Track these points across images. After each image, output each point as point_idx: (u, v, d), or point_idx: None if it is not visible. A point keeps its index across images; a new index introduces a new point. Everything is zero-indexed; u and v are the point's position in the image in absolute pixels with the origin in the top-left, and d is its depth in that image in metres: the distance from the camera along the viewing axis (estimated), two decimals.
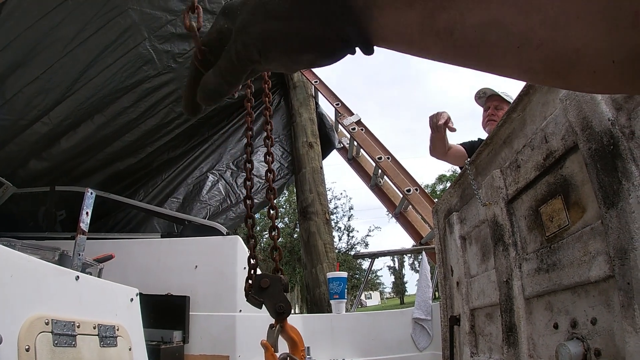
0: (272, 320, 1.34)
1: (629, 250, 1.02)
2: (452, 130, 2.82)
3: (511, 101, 2.87)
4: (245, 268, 3.51)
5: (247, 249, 3.78)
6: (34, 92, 3.66)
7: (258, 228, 24.46)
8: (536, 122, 1.57)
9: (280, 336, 1.33)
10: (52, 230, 4.58)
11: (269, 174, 1.48)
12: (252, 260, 1.36)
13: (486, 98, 2.96)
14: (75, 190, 4.49)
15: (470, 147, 3.05)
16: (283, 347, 1.36)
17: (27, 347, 1.25)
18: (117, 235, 4.63)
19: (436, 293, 3.77)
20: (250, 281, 1.33)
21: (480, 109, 3.11)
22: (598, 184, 1.14)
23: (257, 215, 6.50)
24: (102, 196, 4.15)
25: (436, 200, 3.98)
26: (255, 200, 5.76)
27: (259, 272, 1.39)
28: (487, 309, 2.06)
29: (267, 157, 1.55)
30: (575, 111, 1.24)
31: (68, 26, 3.43)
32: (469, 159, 2.29)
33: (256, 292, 1.32)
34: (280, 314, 1.30)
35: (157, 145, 5.31)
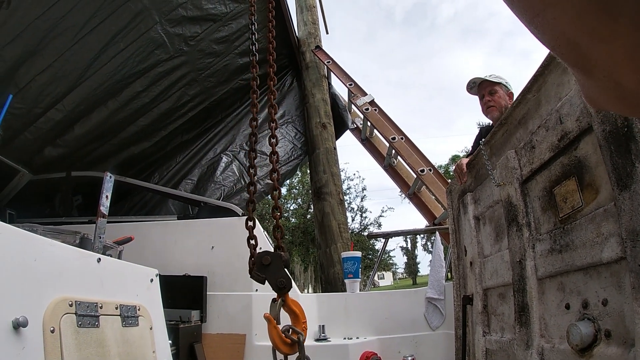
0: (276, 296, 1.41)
1: None
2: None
3: (502, 82, 2.83)
4: (261, 248, 3.58)
5: (262, 229, 3.84)
6: (46, 80, 3.69)
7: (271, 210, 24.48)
8: (551, 103, 1.55)
9: (283, 310, 1.39)
10: (69, 216, 4.67)
11: (273, 156, 1.54)
12: (251, 241, 1.44)
13: (477, 87, 2.92)
14: (91, 175, 4.56)
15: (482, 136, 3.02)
16: (287, 320, 1.42)
17: (52, 328, 1.30)
18: (134, 218, 4.71)
19: (449, 273, 3.79)
20: (252, 259, 1.41)
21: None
22: (612, 166, 1.14)
23: (268, 197, 6.52)
24: (118, 180, 4.22)
25: (450, 180, 3.97)
26: (268, 181, 5.80)
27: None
28: (500, 288, 2.07)
29: (272, 139, 1.60)
30: None
31: (78, 13, 3.42)
32: (483, 139, 2.28)
33: (258, 269, 1.40)
34: (281, 288, 1.37)
35: (171, 129, 5.35)
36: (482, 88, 2.88)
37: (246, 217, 1.61)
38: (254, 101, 1.66)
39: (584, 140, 1.34)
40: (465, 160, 2.70)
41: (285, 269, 1.41)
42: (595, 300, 1.25)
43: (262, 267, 1.41)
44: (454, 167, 2.87)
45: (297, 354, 1.36)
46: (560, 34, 0.40)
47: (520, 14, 0.41)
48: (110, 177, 2.44)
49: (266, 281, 1.42)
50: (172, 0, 3.96)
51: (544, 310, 1.57)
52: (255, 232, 3.69)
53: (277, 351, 1.35)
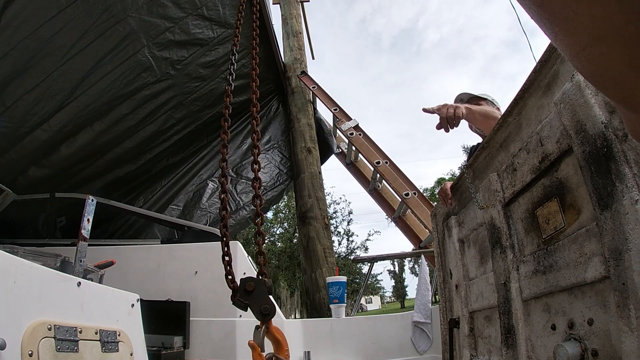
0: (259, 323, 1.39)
1: (624, 251, 1.04)
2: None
3: (487, 97, 2.89)
4: (244, 273, 3.53)
5: (246, 254, 3.80)
6: (33, 100, 3.68)
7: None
8: (532, 126, 1.59)
9: (266, 337, 1.37)
10: (52, 237, 4.58)
11: (255, 182, 1.53)
12: (227, 261, 1.42)
13: (466, 103, 2.99)
14: (76, 197, 4.50)
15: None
16: (269, 348, 1.39)
17: (30, 352, 1.26)
18: (117, 241, 4.64)
19: (436, 296, 3.78)
20: (230, 281, 1.38)
21: None
22: (592, 186, 1.16)
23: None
24: (102, 203, 4.16)
25: (435, 204, 3.99)
26: (254, 207, 5.77)
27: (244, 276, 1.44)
28: (486, 311, 2.07)
29: (254, 165, 1.59)
30: (570, 114, 1.26)
31: (67, 34, 3.44)
32: (465, 163, 2.32)
33: (242, 295, 1.37)
34: (265, 315, 1.35)
35: (156, 152, 5.33)
36: (468, 103, 2.94)
37: (230, 241, 1.56)
38: (225, 142, 1.66)
39: (565, 162, 1.36)
40: (449, 184, 2.73)
41: (270, 296, 1.39)
42: (580, 320, 1.26)
43: (245, 294, 1.38)
44: (438, 191, 2.89)
45: None
46: (606, 70, 0.39)
47: (565, 48, 0.40)
48: (93, 200, 2.42)
49: (249, 308, 1.40)
50: (160, 24, 4.00)
51: (530, 332, 1.57)
52: (238, 255, 3.66)
53: None
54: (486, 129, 2.49)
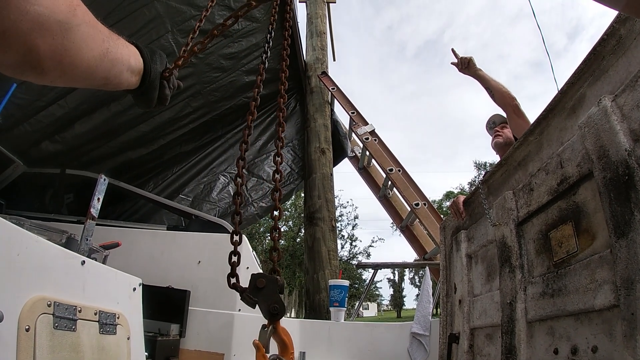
0: (266, 321, 1.35)
1: (636, 281, 1.01)
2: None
3: None
4: (247, 268, 3.52)
5: (250, 249, 3.78)
6: None
7: (262, 229, 24.49)
8: (553, 147, 1.56)
9: (272, 338, 1.33)
10: (59, 213, 4.60)
11: (276, 175, 1.49)
12: (233, 257, 1.37)
13: (498, 125, 3.00)
14: (86, 175, 4.53)
15: None
16: (274, 349, 1.37)
17: (27, 327, 1.25)
18: (123, 223, 4.65)
19: (436, 309, 3.74)
20: (232, 278, 1.34)
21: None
22: (610, 213, 1.14)
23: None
24: (112, 184, 4.18)
25: (443, 216, 3.96)
26: (262, 204, 5.80)
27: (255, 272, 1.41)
28: (488, 329, 2.04)
29: (277, 157, 1.56)
30: (593, 139, 1.23)
31: (93, 12, 3.46)
32: (481, 179, 2.29)
33: (251, 292, 1.32)
34: (274, 315, 1.31)
35: (170, 138, 5.35)
36: (500, 125, 2.96)
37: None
38: (249, 123, 1.62)
39: (584, 186, 1.34)
40: (462, 198, 2.71)
41: (280, 295, 1.35)
42: (584, 347, 1.23)
43: (255, 290, 1.34)
44: (449, 203, 2.88)
45: None
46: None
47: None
48: (105, 179, 2.42)
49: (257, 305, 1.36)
50: (186, 11, 4.01)
51: (532, 354, 1.54)
52: (243, 249, 3.64)
53: None
54: (497, 101, 2.88)
